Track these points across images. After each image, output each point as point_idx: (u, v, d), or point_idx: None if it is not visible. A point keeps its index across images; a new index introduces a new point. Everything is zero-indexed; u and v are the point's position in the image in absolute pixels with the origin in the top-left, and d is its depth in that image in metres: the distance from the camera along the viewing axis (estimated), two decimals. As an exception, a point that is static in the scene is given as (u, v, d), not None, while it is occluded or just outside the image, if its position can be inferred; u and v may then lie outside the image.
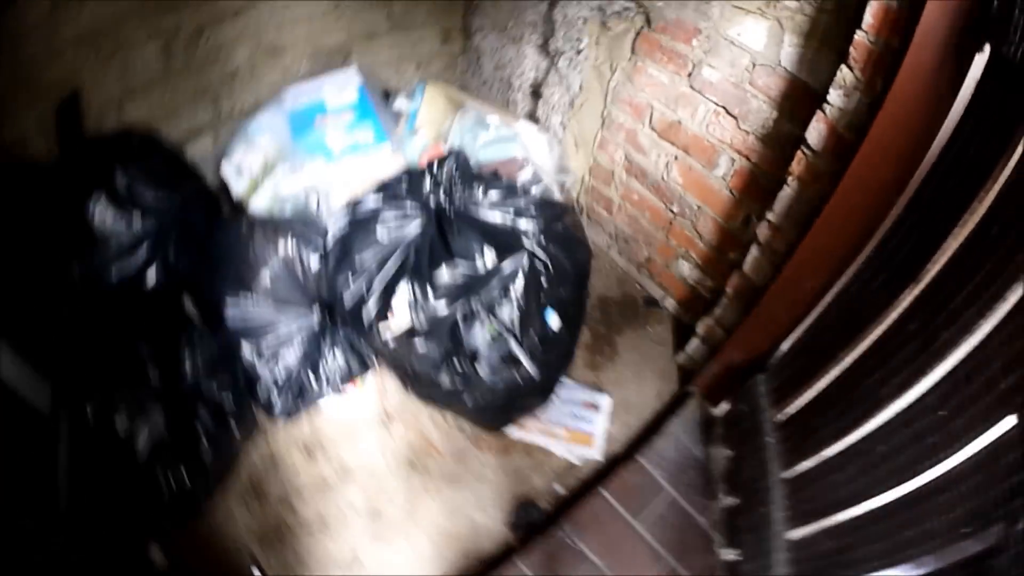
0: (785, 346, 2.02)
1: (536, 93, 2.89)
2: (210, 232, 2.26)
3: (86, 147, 2.12)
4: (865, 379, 1.58)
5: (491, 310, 1.95)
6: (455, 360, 2.00)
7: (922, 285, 1.46)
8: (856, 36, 1.56)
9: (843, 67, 1.61)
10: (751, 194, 2.19)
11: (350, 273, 2.03)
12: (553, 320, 2.09)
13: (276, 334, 2.15)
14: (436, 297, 1.94)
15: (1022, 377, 1.11)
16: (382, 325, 1.98)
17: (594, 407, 2.35)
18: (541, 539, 1.98)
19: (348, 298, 2.03)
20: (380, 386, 2.34)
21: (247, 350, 2.12)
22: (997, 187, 1.28)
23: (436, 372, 2.03)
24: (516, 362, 2.03)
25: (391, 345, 2.01)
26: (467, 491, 2.14)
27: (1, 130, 1.95)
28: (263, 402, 2.17)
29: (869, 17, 1.52)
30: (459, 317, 1.95)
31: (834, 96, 1.66)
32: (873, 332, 1.60)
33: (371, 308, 1.98)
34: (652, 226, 2.64)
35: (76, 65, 2.11)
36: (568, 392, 2.38)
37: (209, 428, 1.88)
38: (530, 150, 2.64)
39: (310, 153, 2.42)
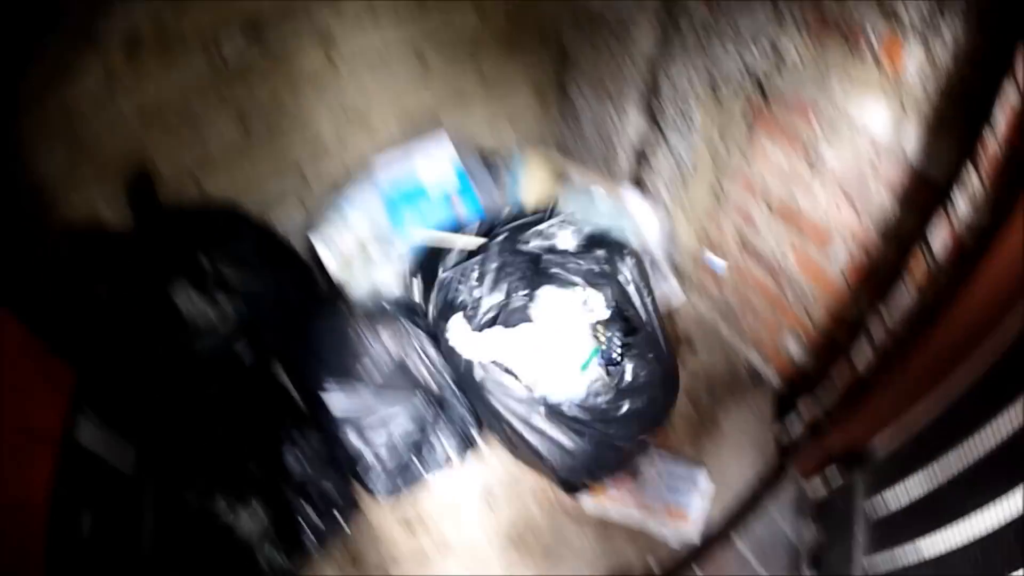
0: (883, 442, 1.97)
1: (644, 159, 2.83)
2: (304, 309, 2.24)
3: (164, 220, 2.10)
4: (956, 491, 1.55)
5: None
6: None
7: None
8: (987, 140, 1.46)
9: (971, 172, 1.51)
10: (867, 286, 2.11)
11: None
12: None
13: (380, 417, 2.16)
14: None
15: None
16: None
17: (693, 483, 2.31)
18: None
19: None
20: (486, 463, 2.35)
21: (352, 435, 2.13)
22: None
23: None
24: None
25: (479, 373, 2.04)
26: (564, 566, 2.12)
27: (70, 205, 1.99)
28: (366, 483, 2.18)
29: (1000, 118, 1.42)
30: None
31: (960, 204, 1.56)
32: (978, 452, 1.54)
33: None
34: (761, 301, 2.58)
35: (142, 138, 2.11)
36: (667, 466, 2.35)
37: (312, 520, 1.91)
38: (637, 219, 2.64)
39: (406, 236, 2.40)
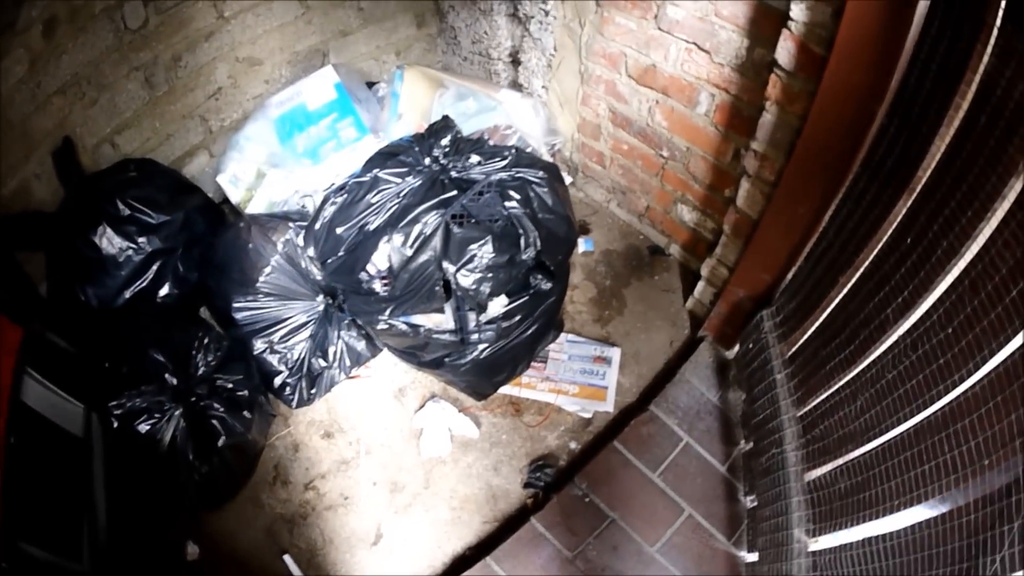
0: (788, 278, 1.87)
1: (516, 61, 2.73)
2: (210, 234, 2.28)
3: (87, 184, 2.15)
4: (868, 302, 1.44)
5: (470, 266, 1.79)
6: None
7: (915, 193, 1.31)
8: None
9: None
10: (736, 127, 2.03)
11: (341, 246, 1.93)
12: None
13: (285, 325, 2.13)
14: (413, 248, 1.81)
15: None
16: (364, 275, 1.88)
17: (604, 361, 2.23)
18: (556, 497, 1.90)
19: (338, 266, 1.95)
20: (391, 363, 2.28)
21: (259, 345, 2.11)
22: (978, 75, 1.13)
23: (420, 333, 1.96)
24: (502, 317, 1.94)
25: (379, 292, 1.90)
26: (482, 455, 2.09)
27: (8, 181, 1.99)
28: (280, 393, 2.15)
29: None
30: (439, 270, 1.81)
31: (796, 10, 1.48)
32: (871, 251, 1.45)
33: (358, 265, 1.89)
34: (646, 174, 2.49)
35: (64, 112, 2.12)
36: (577, 348, 2.27)
37: (227, 421, 1.88)
38: (514, 117, 2.54)
39: (297, 157, 2.40)
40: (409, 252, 1.80)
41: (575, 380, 2.20)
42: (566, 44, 2.43)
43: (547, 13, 2.40)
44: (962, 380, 1.09)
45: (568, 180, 2.72)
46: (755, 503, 1.82)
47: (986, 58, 1.10)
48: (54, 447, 1.65)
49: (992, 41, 1.08)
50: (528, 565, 1.80)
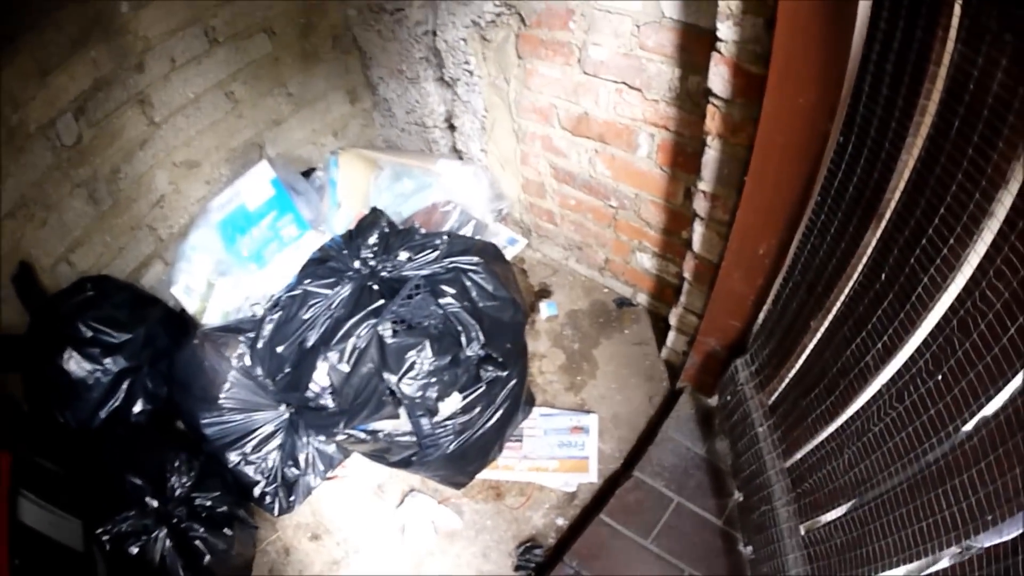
0: (759, 322, 1.68)
1: (451, 126, 2.59)
2: (173, 348, 2.22)
3: (49, 306, 2.13)
4: (845, 348, 1.24)
5: (412, 374, 1.66)
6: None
7: (884, 220, 1.12)
8: None
9: None
10: (682, 165, 1.87)
11: (285, 364, 1.81)
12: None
13: (256, 437, 2.04)
14: (350, 363, 1.69)
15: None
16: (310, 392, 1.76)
17: (582, 430, 2.02)
18: None
19: (285, 383, 1.83)
20: (366, 460, 2.12)
21: (234, 458, 2.03)
22: (944, 68, 0.93)
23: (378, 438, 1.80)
24: (460, 412, 1.77)
25: (330, 407, 1.77)
26: (468, 543, 1.93)
27: None
28: (261, 503, 2.07)
29: None
30: (381, 381, 1.67)
31: (723, 29, 1.32)
32: (841, 291, 1.26)
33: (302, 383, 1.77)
34: (598, 226, 2.33)
35: (18, 235, 2.09)
36: (551, 421, 2.07)
37: (208, 540, 1.84)
38: (455, 188, 2.42)
39: (243, 262, 2.31)
40: (347, 368, 1.70)
41: (554, 455, 2.00)
42: (496, 103, 2.29)
43: (471, 73, 2.26)
44: (956, 431, 0.92)
45: (523, 242, 2.58)
46: (753, 556, 1.63)
47: (951, 45, 0.91)
48: (57, 564, 1.64)
49: (956, 23, 0.89)
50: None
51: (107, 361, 2.08)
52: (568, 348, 2.32)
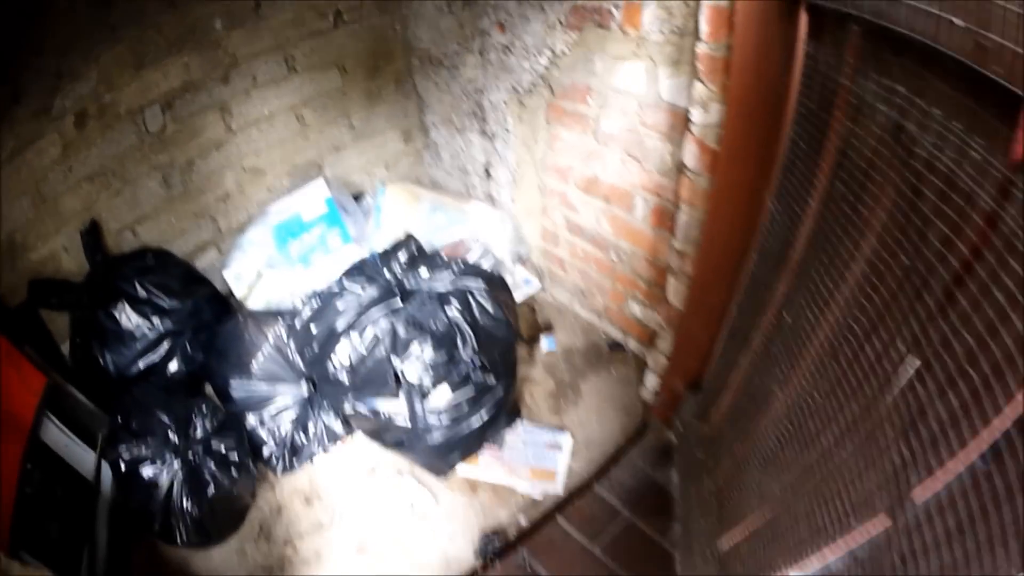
0: (713, 364, 1.97)
1: (488, 175, 2.90)
2: (215, 322, 2.49)
3: (111, 264, 2.38)
4: (758, 378, 1.49)
5: (413, 361, 1.97)
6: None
7: (790, 270, 1.36)
8: (698, 49, 1.51)
9: (695, 82, 1.56)
10: (668, 227, 2.11)
11: (314, 341, 2.11)
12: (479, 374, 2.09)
13: (274, 405, 2.31)
14: (367, 346, 1.99)
15: (881, 355, 0.99)
16: (331, 366, 2.04)
17: (556, 447, 2.27)
18: (501, 564, 1.95)
19: (312, 357, 2.13)
20: (365, 444, 2.38)
21: (251, 419, 2.29)
22: (835, 142, 1.16)
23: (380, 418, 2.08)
24: (448, 408, 2.05)
25: (344, 382, 2.05)
26: (440, 527, 2.13)
27: (36, 249, 2.23)
28: (267, 461, 2.31)
29: (704, 25, 1.47)
30: (389, 363, 1.98)
31: (695, 113, 1.59)
32: (760, 329, 1.50)
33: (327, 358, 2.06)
34: (600, 275, 2.59)
35: (92, 198, 2.33)
36: (531, 435, 2.30)
37: (217, 477, 2.05)
38: (482, 228, 2.72)
39: (291, 262, 2.62)
40: (364, 351, 1.99)
41: (528, 463, 2.23)
42: (525, 159, 2.59)
43: (508, 131, 2.58)
44: (826, 443, 1.13)
45: (537, 285, 2.88)
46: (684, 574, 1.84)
47: (840, 119, 1.14)
48: (64, 483, 1.81)
49: (847, 104, 1.10)
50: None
51: (155, 320, 2.33)
52: (559, 378, 2.57)
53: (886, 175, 0.96)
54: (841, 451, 1.09)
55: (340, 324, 2.02)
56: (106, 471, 2.01)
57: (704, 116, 1.60)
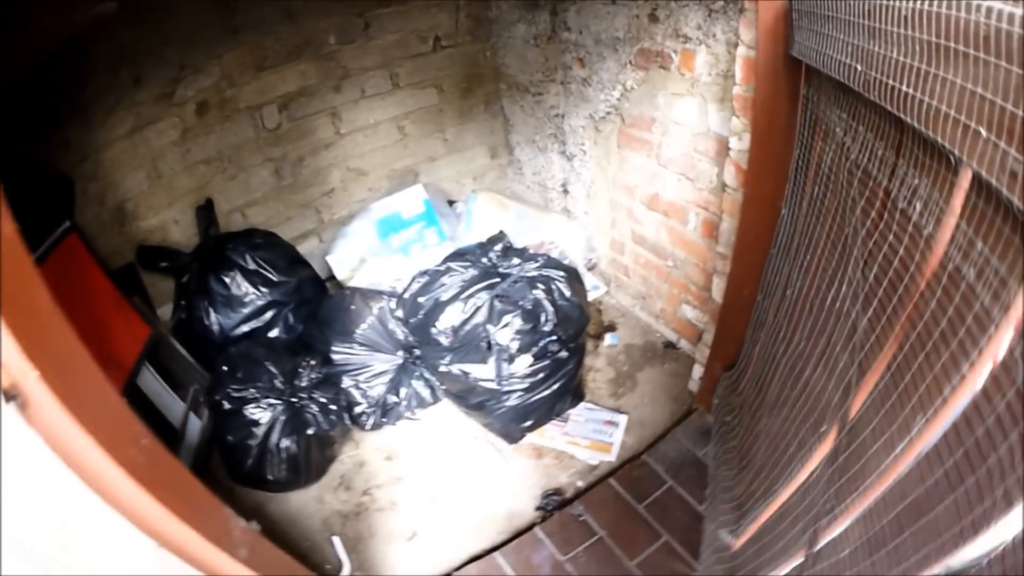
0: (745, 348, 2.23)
1: (565, 190, 3.28)
2: (316, 299, 2.80)
3: (222, 238, 2.68)
4: (771, 345, 1.79)
5: (505, 329, 2.34)
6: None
7: (791, 254, 1.68)
8: (734, 90, 1.88)
9: (732, 117, 1.92)
10: (713, 236, 2.43)
11: (421, 310, 2.49)
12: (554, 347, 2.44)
13: (370, 371, 2.62)
14: (468, 314, 2.37)
15: (836, 299, 1.32)
16: (434, 330, 2.40)
17: (613, 424, 2.60)
18: (558, 514, 2.25)
19: (417, 323, 2.50)
20: (447, 413, 2.73)
21: (348, 382, 2.59)
22: (816, 158, 1.50)
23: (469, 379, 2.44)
24: (528, 375, 2.42)
25: (444, 344, 2.41)
26: (507, 485, 2.43)
27: (147, 219, 2.54)
28: (358, 420, 2.62)
29: (738, 71, 1.84)
30: (485, 330, 2.35)
31: (732, 141, 1.96)
32: (773, 307, 1.82)
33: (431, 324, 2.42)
34: (658, 280, 2.92)
35: (207, 179, 2.65)
36: (592, 413, 2.64)
37: (318, 418, 2.33)
38: (559, 236, 3.10)
39: (392, 251, 3.01)
40: (464, 317, 2.37)
41: (587, 436, 2.55)
42: (599, 178, 2.97)
43: (585, 153, 2.97)
44: (804, 374, 1.47)
45: (604, 289, 3.23)
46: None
47: (819, 144, 1.48)
48: (152, 429, 2.08)
49: (822, 129, 1.45)
50: (526, 562, 2.12)
51: (263, 290, 2.59)
52: (619, 369, 2.92)
53: (837, 176, 1.32)
54: (813, 375, 1.40)
55: (445, 296, 2.41)
56: (193, 423, 2.23)
57: (739, 143, 1.96)
